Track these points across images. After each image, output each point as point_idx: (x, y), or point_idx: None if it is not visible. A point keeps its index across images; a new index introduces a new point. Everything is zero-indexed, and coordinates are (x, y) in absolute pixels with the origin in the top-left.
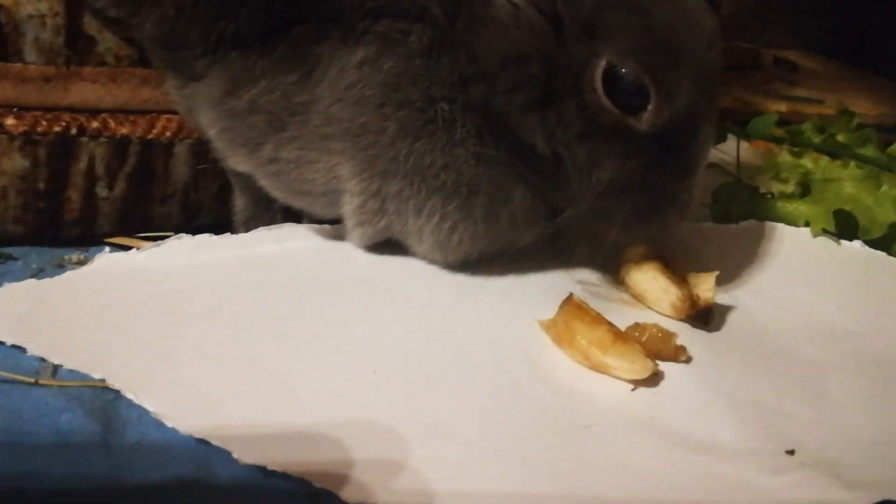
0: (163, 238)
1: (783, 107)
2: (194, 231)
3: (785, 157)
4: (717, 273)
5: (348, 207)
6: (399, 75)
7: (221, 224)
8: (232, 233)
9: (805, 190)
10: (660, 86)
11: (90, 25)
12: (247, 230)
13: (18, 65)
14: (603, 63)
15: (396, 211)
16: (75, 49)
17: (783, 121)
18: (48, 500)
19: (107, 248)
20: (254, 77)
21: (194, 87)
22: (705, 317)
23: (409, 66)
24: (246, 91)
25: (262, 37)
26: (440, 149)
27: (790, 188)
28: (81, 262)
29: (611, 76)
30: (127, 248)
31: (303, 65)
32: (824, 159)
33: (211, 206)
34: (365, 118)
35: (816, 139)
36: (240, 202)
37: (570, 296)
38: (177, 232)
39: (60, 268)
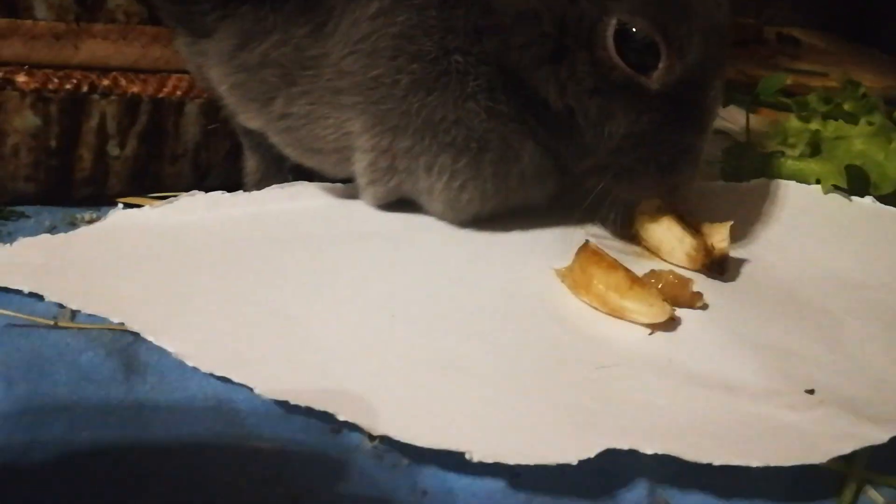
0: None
1: (788, 79)
2: (205, 191)
3: (793, 122)
4: (731, 223)
5: (359, 165)
6: (414, 27)
7: (232, 185)
8: None
9: (815, 149)
10: (670, 44)
11: None
12: (257, 189)
13: (29, 21)
14: (614, 21)
15: (407, 168)
16: (85, 5)
17: (788, 92)
18: (70, 435)
19: (120, 205)
20: (265, 30)
21: (205, 43)
22: (721, 266)
23: (423, 18)
24: (258, 44)
25: None
26: (452, 102)
27: (797, 153)
28: (93, 221)
29: (622, 34)
30: (139, 207)
31: (315, 16)
32: (832, 123)
33: (221, 167)
34: (377, 71)
35: (823, 109)
36: (250, 163)
37: (587, 242)
38: (188, 191)
39: (73, 226)
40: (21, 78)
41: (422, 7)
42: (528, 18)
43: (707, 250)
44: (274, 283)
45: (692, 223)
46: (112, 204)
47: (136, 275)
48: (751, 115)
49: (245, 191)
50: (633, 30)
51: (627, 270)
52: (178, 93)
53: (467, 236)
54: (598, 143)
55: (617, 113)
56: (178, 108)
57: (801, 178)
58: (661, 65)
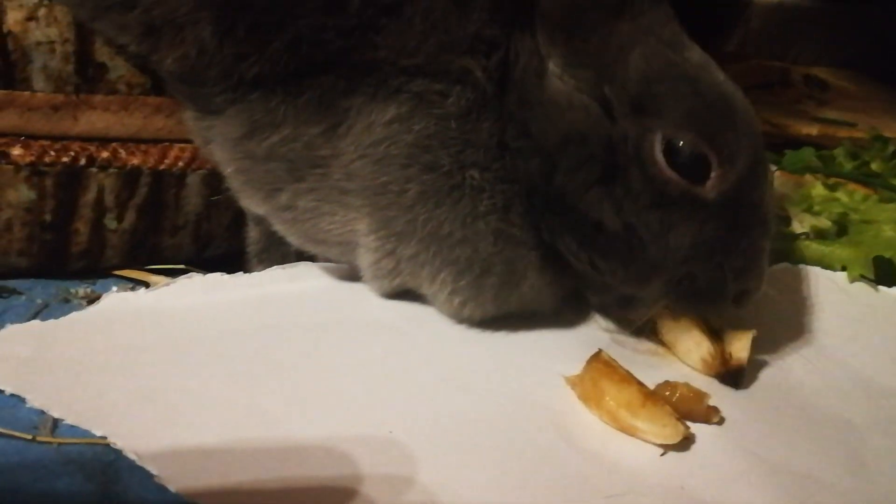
0: (173, 270)
1: (814, 129)
2: (206, 262)
3: (818, 189)
4: (754, 333)
5: (364, 262)
6: (430, 137)
7: (234, 254)
8: (245, 266)
9: (841, 229)
10: (720, 151)
11: (101, 52)
12: (260, 263)
13: (26, 93)
14: (659, 137)
15: (411, 273)
16: (85, 76)
17: (814, 144)
18: None
19: (114, 287)
20: (275, 123)
21: (212, 120)
22: (736, 378)
23: (442, 129)
24: (266, 137)
25: (287, 81)
26: (461, 219)
27: (823, 222)
28: (88, 297)
29: (670, 149)
30: (135, 281)
31: (329, 116)
32: (860, 193)
33: (223, 237)
34: (387, 177)
35: (849, 165)
36: (254, 234)
37: (599, 352)
38: (188, 263)
39: (66, 303)
40: (16, 151)
41: (442, 118)
42: (574, 142)
43: (724, 359)
44: (267, 387)
45: (713, 323)
46: (108, 276)
47: (124, 375)
48: (774, 176)
49: (248, 262)
50: (681, 143)
51: (640, 385)
52: (181, 164)
53: (474, 333)
54: (664, 256)
55: (680, 224)
56: (179, 180)
57: (827, 263)
58: (713, 174)
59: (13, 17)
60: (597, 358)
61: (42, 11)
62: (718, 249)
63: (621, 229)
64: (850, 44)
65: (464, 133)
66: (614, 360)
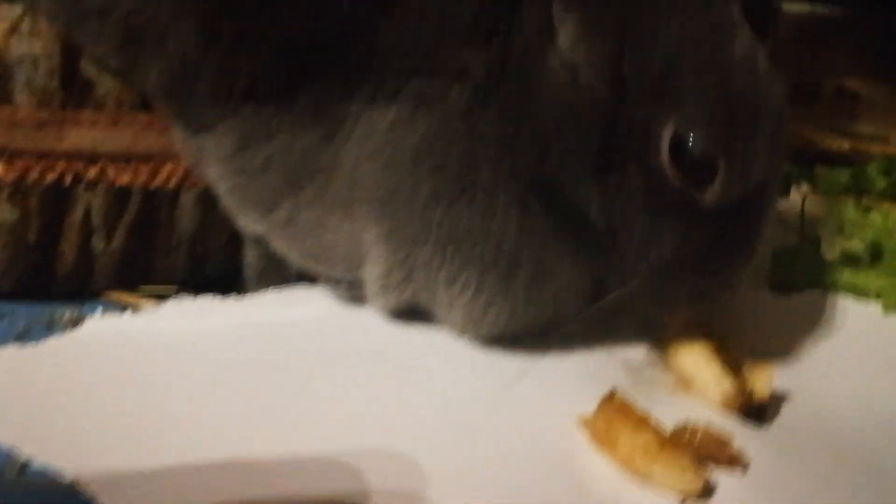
0: (165, 293)
1: (845, 144)
2: (201, 283)
3: (850, 211)
4: (776, 367)
5: (370, 274)
6: (436, 137)
7: (230, 275)
8: (243, 287)
9: (875, 255)
10: (731, 160)
11: (88, 67)
12: (258, 284)
13: (9, 108)
14: (671, 127)
15: (425, 280)
16: (71, 92)
17: (846, 159)
18: None
19: (99, 310)
20: (269, 133)
21: (202, 138)
22: (759, 414)
23: (447, 128)
24: (259, 148)
25: (279, 90)
26: (479, 216)
27: (856, 245)
28: (73, 321)
29: (677, 145)
30: (125, 304)
31: (326, 123)
32: (893, 215)
33: (219, 257)
34: (394, 182)
35: (882, 183)
36: (251, 254)
37: (613, 394)
38: (182, 284)
39: (49, 326)
40: None
41: (445, 116)
42: (569, 121)
43: (746, 395)
44: (254, 430)
45: (731, 354)
46: (96, 298)
47: (100, 411)
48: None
49: (245, 283)
50: (692, 141)
51: (657, 429)
52: (173, 182)
53: (483, 361)
54: (641, 266)
55: (665, 233)
56: (172, 199)
57: (859, 292)
58: (717, 181)
59: None
60: (611, 399)
61: (25, 25)
62: (692, 266)
63: (605, 229)
64: (884, 54)
65: (469, 129)
66: (630, 400)
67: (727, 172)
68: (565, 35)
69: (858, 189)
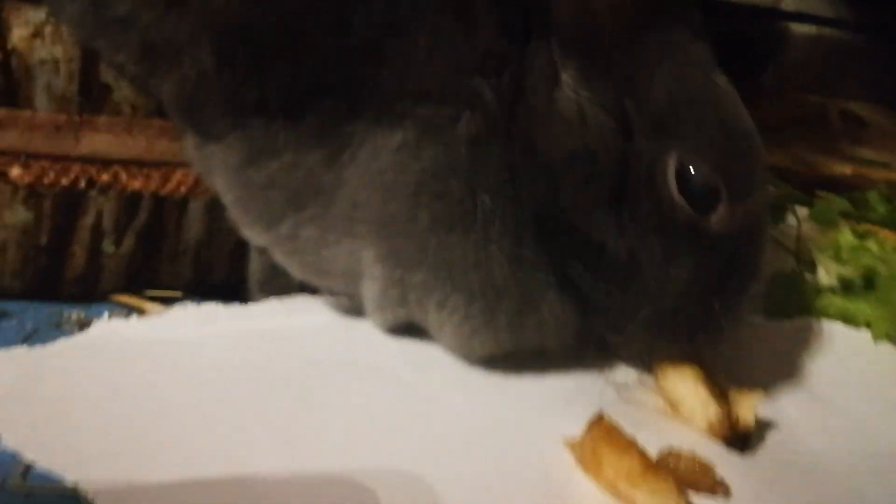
0: (171, 298)
1: (847, 169)
2: (206, 289)
3: (847, 237)
4: (761, 395)
5: (368, 292)
6: (440, 164)
7: (235, 282)
8: (246, 294)
9: (869, 283)
10: (732, 187)
11: (106, 73)
12: (262, 293)
13: (28, 112)
14: (674, 160)
15: (418, 302)
16: (89, 97)
17: (847, 184)
18: None
19: (106, 313)
20: (276, 149)
21: (212, 147)
22: (742, 442)
23: (452, 156)
24: (266, 164)
25: (289, 106)
26: (473, 244)
27: (851, 271)
28: (80, 322)
29: (682, 175)
30: (131, 307)
31: (331, 142)
32: (891, 242)
33: (224, 265)
34: (395, 206)
35: (882, 210)
36: (256, 263)
37: (600, 417)
38: (187, 290)
39: (57, 327)
40: (15, 171)
41: (452, 144)
42: (581, 159)
43: (732, 423)
44: (254, 438)
45: (718, 381)
46: (104, 300)
47: (105, 415)
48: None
49: (249, 291)
50: (693, 171)
51: (642, 454)
52: (183, 189)
53: (475, 380)
54: (662, 286)
55: (682, 255)
56: (181, 206)
57: (850, 319)
58: (720, 207)
59: (18, 34)
60: (598, 424)
61: (48, 29)
62: (712, 286)
63: (624, 254)
64: (890, 79)
65: (474, 158)
66: (617, 424)
67: (730, 197)
68: (568, 77)
69: (857, 216)
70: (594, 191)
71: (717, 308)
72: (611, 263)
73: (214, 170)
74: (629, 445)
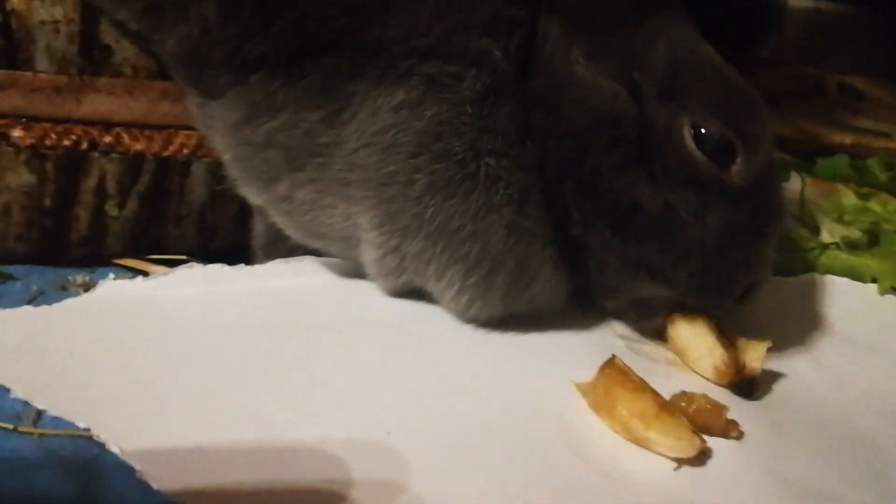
0: (175, 261)
1: (847, 139)
2: (210, 254)
3: (849, 198)
4: (769, 343)
5: (368, 259)
6: (443, 123)
7: (239, 247)
8: (250, 257)
9: (873, 240)
10: (745, 139)
11: (107, 34)
12: (266, 256)
13: (28, 73)
14: (688, 122)
15: (415, 270)
16: (90, 58)
17: (848, 153)
18: None
19: (111, 275)
20: (274, 107)
21: (213, 105)
22: (748, 388)
23: (456, 115)
24: (264, 122)
25: (290, 62)
26: (473, 212)
27: (854, 233)
28: (86, 285)
29: (698, 135)
30: (136, 270)
31: (331, 101)
32: (893, 203)
33: (228, 229)
34: (393, 168)
35: (883, 176)
36: (260, 226)
37: (613, 358)
38: (191, 254)
39: (63, 290)
40: (17, 132)
41: (456, 103)
42: (605, 122)
43: (738, 367)
44: (262, 386)
45: (727, 331)
46: (109, 265)
47: (112, 368)
48: (805, 184)
49: (252, 254)
50: (708, 130)
51: (655, 394)
52: (185, 151)
53: (484, 335)
54: (702, 237)
55: (715, 205)
56: (184, 168)
57: (856, 275)
58: (738, 160)
59: None
60: (610, 364)
61: None
62: (749, 234)
63: (661, 208)
64: (888, 53)
65: (480, 119)
66: (629, 367)
67: (744, 151)
68: (578, 52)
69: (859, 181)
70: (622, 152)
71: (749, 260)
72: (647, 222)
73: (214, 128)
74: (642, 386)
